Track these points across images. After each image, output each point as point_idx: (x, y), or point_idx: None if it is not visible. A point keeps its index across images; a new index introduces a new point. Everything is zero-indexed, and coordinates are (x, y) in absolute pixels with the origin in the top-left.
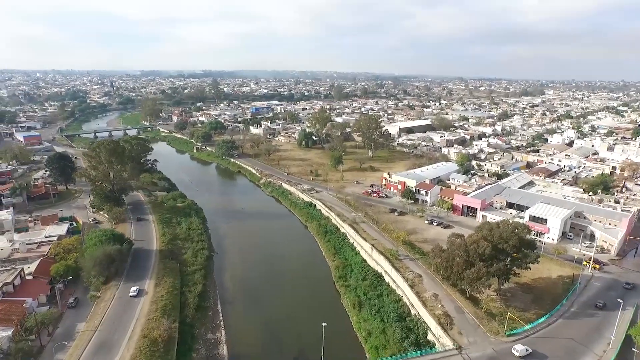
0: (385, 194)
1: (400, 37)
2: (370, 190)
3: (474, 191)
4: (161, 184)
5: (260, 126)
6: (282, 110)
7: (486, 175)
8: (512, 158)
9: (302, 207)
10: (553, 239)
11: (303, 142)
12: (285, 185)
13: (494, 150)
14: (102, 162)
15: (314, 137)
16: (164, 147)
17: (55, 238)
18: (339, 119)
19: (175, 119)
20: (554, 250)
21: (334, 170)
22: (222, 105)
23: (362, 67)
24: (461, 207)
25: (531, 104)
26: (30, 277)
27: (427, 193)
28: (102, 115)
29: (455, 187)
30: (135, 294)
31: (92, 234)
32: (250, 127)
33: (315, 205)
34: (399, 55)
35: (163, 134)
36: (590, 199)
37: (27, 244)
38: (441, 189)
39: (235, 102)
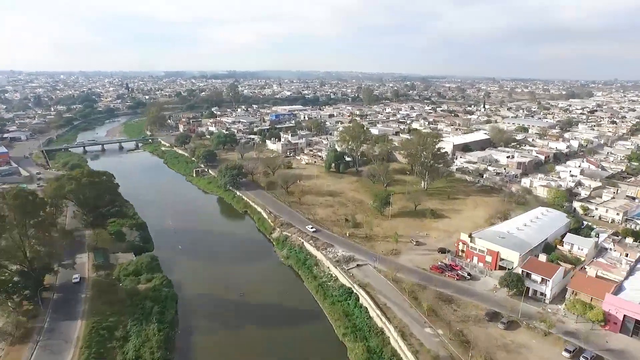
0: (468, 273)
1: (430, 37)
2: (442, 264)
3: (626, 277)
4: (130, 236)
5: (279, 140)
6: (306, 118)
7: (607, 232)
8: (628, 195)
9: (336, 297)
10: None
11: (332, 164)
12: (309, 247)
13: (590, 179)
14: (7, 226)
15: (346, 158)
16: (160, 167)
17: None
18: (374, 130)
19: (181, 128)
20: None
21: (379, 215)
22: (239, 110)
23: (389, 67)
24: (621, 319)
25: (588, 109)
26: None
27: (544, 281)
28: (109, 120)
29: (596, 274)
30: None
31: None
32: (267, 140)
33: (357, 298)
34: (428, 56)
35: (163, 148)
36: None
37: None
38: (572, 275)
39: (255, 106)
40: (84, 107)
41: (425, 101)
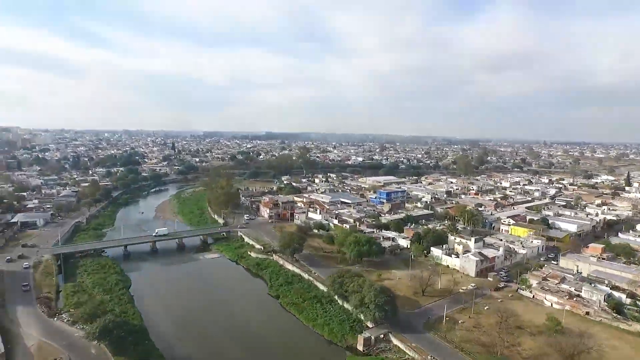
0: None
1: (463, 100)
2: None
3: None
4: None
5: (449, 247)
6: (429, 198)
7: None
8: None
9: None
10: None
11: None
12: None
13: None
14: None
15: None
16: (264, 303)
17: None
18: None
19: (266, 212)
20: None
21: None
22: (316, 180)
23: (425, 130)
24: None
25: None
26: None
27: None
28: (155, 189)
29: None
30: None
31: None
32: (435, 249)
33: None
34: (462, 118)
35: (252, 253)
36: None
37: None
38: None
39: (332, 175)
40: (127, 172)
41: (523, 170)
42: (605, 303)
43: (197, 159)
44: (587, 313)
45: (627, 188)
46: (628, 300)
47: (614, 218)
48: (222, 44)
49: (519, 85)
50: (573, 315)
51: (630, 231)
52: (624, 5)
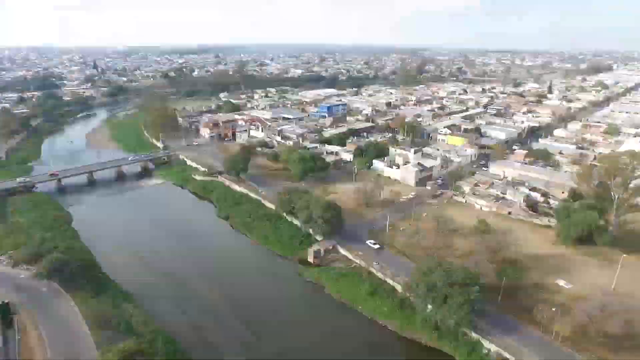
0: None
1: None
2: None
3: None
4: None
5: (391, 161)
6: (371, 111)
7: None
8: None
9: None
10: None
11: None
12: None
13: None
14: None
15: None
16: (212, 224)
17: None
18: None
19: (206, 133)
20: None
21: None
22: (255, 97)
23: (358, 39)
24: None
25: None
26: None
27: None
28: (82, 115)
29: None
30: None
31: None
32: (376, 162)
33: None
34: (405, 26)
35: (197, 177)
36: None
37: None
38: None
39: (272, 90)
40: (45, 97)
41: (459, 80)
42: (524, 203)
43: (125, 79)
44: (509, 212)
45: (548, 95)
46: (542, 199)
47: (537, 124)
48: None
49: None
50: (498, 215)
51: (549, 136)
52: None
